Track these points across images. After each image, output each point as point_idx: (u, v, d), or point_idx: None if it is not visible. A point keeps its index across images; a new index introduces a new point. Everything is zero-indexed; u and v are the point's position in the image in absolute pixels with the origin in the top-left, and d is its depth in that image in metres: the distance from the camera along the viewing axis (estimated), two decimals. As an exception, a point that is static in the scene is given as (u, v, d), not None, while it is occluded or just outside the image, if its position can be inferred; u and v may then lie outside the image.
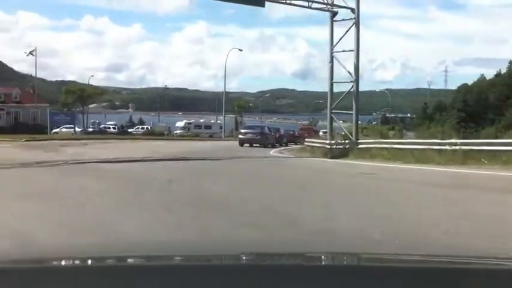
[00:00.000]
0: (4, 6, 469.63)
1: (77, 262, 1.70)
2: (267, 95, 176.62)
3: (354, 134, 27.39)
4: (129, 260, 1.80)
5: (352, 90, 29.00)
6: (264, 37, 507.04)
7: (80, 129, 66.43)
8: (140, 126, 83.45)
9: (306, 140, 34.92)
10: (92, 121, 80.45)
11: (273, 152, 32.52)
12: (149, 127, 79.00)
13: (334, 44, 29.40)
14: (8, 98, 67.04)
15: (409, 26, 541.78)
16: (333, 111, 29.94)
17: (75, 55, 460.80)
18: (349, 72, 28.96)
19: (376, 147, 22.75)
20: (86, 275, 1.44)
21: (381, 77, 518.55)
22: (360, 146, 24.33)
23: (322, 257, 1.87)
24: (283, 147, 39.81)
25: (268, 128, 40.71)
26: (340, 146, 25.63)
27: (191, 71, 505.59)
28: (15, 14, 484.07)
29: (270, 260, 1.83)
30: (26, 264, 1.62)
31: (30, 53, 64.56)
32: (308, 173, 15.18)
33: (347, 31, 28.20)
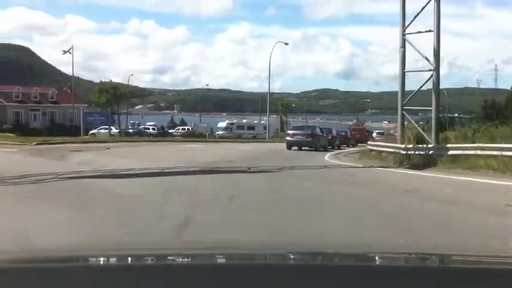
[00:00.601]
0: (53, 11, 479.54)
1: (77, 262, 1.68)
2: (314, 94, 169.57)
3: (433, 136, 21.21)
4: (129, 261, 1.72)
5: (427, 83, 22.75)
6: (306, 37, 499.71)
7: (117, 130, 62.05)
8: (181, 127, 78.50)
9: (368, 143, 28.80)
10: (131, 122, 76.18)
11: (328, 157, 26.64)
12: (190, 128, 73.98)
13: (406, 25, 23.19)
14: (43, 98, 63.01)
15: (455, 24, 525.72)
16: (405, 107, 23.61)
17: (122, 57, 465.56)
18: (426, 59, 22.69)
19: (476, 154, 16.48)
20: (86, 275, 1.41)
21: (426, 76, 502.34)
22: (451, 151, 18.06)
23: (322, 257, 1.84)
24: (337, 151, 33.82)
25: (319, 128, 34.66)
26: (422, 152, 19.44)
27: (234, 72, 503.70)
28: (63, 18, 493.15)
29: (272, 261, 1.76)
30: (26, 264, 1.60)
31: (68, 51, 60.66)
32: (431, 208, 8.52)
33: (425, 5, 21.97)
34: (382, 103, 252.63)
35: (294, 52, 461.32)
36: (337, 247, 2.31)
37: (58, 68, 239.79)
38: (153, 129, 69.60)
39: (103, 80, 52.76)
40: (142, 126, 71.69)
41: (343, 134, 45.01)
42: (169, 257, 1.77)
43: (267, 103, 57.87)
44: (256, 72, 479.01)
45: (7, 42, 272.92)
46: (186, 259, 1.75)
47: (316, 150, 31.12)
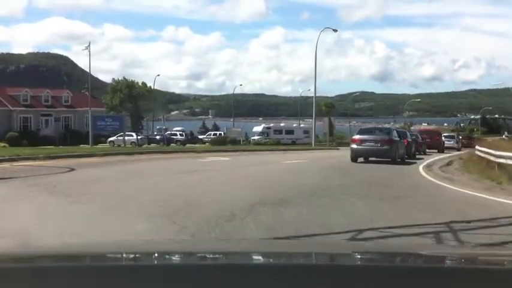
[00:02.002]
0: (90, 20, 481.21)
1: (77, 262, 1.62)
2: (357, 93, 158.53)
3: None
4: (129, 260, 1.66)
5: None
6: (341, 40, 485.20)
7: (140, 137, 52.47)
8: (212, 133, 68.38)
9: (491, 153, 17.87)
10: (157, 127, 66.55)
11: (427, 174, 16.39)
12: (222, 133, 63.82)
13: None
14: (56, 102, 53.49)
15: (493, 24, 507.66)
16: None
17: (158, 64, 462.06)
18: None
19: None
20: (86, 275, 1.36)
21: (463, 77, 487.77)
22: None
23: (322, 257, 1.78)
24: (421, 162, 23.12)
25: (396, 131, 23.66)
26: None
27: (269, 76, 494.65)
28: (101, 27, 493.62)
29: (272, 261, 1.70)
30: (26, 263, 1.55)
31: (86, 47, 51.68)
32: None
33: None
34: (419, 105, 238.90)
35: (328, 56, 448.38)
36: (337, 247, 2.18)
37: (95, 75, 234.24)
38: (181, 135, 59.83)
39: (116, 78, 42.44)
40: (168, 132, 61.97)
41: (413, 138, 33.73)
42: (169, 257, 1.69)
43: (305, 106, 47.45)
44: (290, 77, 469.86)
45: (46, 51, 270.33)
46: (186, 259, 1.66)
47: (393, 161, 20.64)
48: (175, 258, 1.68)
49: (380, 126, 29.34)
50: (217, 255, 1.75)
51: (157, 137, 57.00)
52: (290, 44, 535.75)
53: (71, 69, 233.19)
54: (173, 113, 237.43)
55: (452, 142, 43.95)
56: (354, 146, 21.47)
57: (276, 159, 22.92)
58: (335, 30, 43.57)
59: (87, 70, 43.52)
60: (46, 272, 1.35)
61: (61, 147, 39.61)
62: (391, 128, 24.72)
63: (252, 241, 3.09)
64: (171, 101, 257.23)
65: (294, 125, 71.93)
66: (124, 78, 42.05)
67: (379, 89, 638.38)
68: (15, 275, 1.35)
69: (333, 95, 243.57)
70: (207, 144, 53.44)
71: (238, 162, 19.79)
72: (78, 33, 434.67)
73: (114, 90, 40.44)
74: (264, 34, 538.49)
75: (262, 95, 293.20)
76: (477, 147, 24.07)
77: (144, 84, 42.19)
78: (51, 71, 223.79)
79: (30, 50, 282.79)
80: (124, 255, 1.73)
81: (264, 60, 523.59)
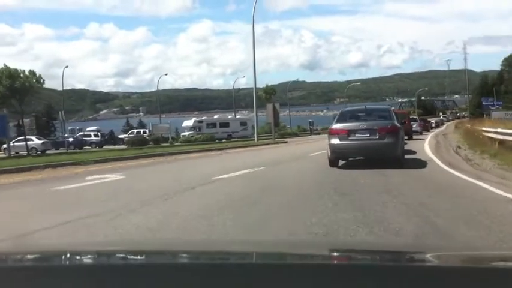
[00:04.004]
0: (9, 20, 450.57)
1: (76, 261, 1.57)
2: (296, 79, 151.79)
3: None
4: (128, 260, 1.60)
5: None
6: (269, 31, 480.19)
7: (42, 141, 41.84)
8: (136, 131, 57.97)
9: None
10: (69, 128, 55.52)
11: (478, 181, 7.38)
12: (147, 131, 53.75)
13: None
14: None
15: (415, 9, 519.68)
16: None
17: (83, 63, 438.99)
18: None
19: None
20: (86, 274, 1.32)
21: (388, 62, 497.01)
22: None
23: (321, 257, 1.72)
24: (428, 156, 14.73)
25: (395, 115, 14.84)
26: None
27: (199, 70, 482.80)
28: (20, 28, 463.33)
29: (270, 260, 1.62)
30: (26, 263, 1.52)
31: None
32: None
33: None
34: (348, 92, 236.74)
35: (256, 47, 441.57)
36: (337, 246, 2.18)
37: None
38: (96, 135, 49.26)
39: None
40: (81, 134, 51.20)
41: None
42: (168, 257, 1.64)
43: (238, 98, 38.05)
44: (221, 69, 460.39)
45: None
46: (185, 259, 1.61)
47: (397, 159, 12.42)
48: (174, 258, 1.61)
49: (369, 107, 20.28)
50: (215, 255, 1.67)
51: (70, 139, 46.54)
52: (219, 36, 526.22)
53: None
54: (102, 112, 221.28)
55: (415, 126, 36.93)
56: (336, 141, 12.44)
57: (210, 169, 13.49)
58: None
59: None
60: (46, 272, 1.30)
61: None
62: (388, 108, 15.88)
63: (250, 242, 2.97)
64: (100, 100, 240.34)
65: (229, 117, 62.82)
66: (5, 65, 31.07)
67: (309, 77, 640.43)
68: (15, 275, 1.28)
69: (263, 85, 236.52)
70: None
71: (131, 187, 10.03)
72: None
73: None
74: (191, 28, 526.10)
75: (194, 89, 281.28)
76: (484, 128, 21.21)
77: (32, 73, 31.44)
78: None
79: None
80: (124, 254, 1.66)
81: (194, 54, 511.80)
